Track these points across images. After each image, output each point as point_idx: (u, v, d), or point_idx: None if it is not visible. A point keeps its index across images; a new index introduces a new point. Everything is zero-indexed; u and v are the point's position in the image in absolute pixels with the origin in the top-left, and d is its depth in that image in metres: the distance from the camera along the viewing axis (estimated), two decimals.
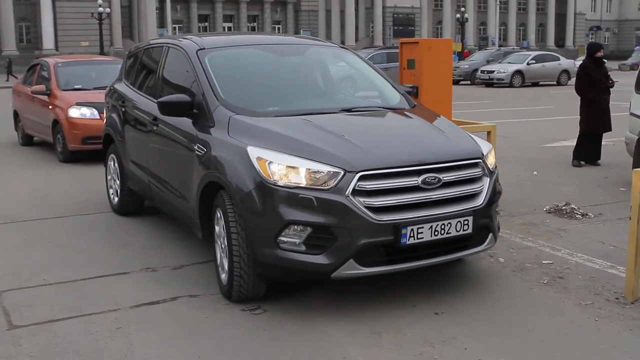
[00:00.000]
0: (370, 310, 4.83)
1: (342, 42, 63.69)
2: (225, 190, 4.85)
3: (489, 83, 34.09)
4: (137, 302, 5.05)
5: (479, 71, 35.14)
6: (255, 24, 77.48)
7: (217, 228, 5.10)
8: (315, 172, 4.48)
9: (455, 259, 5.11)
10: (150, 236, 6.81)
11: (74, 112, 11.22)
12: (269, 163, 4.55)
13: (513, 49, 51.97)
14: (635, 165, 9.05)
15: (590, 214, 7.52)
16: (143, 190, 6.86)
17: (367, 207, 4.44)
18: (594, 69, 10.93)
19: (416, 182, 4.58)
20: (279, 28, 77.41)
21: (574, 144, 11.21)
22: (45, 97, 11.98)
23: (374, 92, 6.15)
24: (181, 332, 4.55)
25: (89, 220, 7.54)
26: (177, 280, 5.55)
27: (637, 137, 9.01)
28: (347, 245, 4.44)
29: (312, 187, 4.46)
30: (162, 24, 64.60)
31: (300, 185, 4.48)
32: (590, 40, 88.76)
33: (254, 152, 4.66)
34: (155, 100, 6.15)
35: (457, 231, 4.69)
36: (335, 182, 4.44)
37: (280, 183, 4.50)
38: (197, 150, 5.25)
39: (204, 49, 5.85)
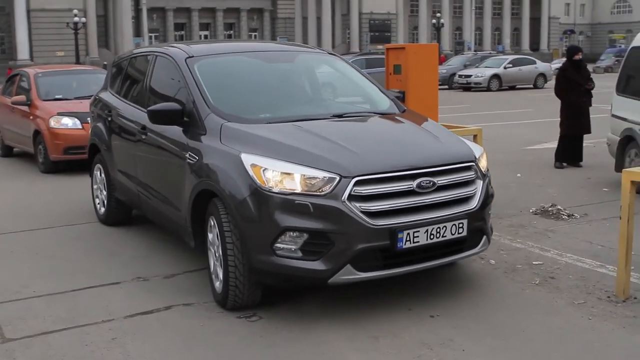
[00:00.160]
0: (366, 314, 4.83)
1: None
2: (218, 198, 4.83)
3: (467, 87, 34.33)
4: (130, 312, 5.02)
5: (457, 76, 35.39)
6: (231, 32, 77.46)
7: (210, 236, 5.07)
8: (310, 178, 4.47)
9: (450, 262, 5.13)
10: (139, 245, 6.77)
11: (56, 122, 11.12)
12: (263, 170, 4.54)
13: (490, 53, 52.45)
14: (617, 166, 9.19)
15: (576, 215, 7.60)
16: (131, 200, 6.80)
17: (363, 212, 4.45)
18: (573, 71, 11.05)
19: (411, 186, 4.60)
20: (255, 35, 77.44)
21: (555, 146, 11.33)
22: (25, 108, 11.87)
23: (364, 98, 6.17)
24: (177, 341, 4.53)
25: (76, 230, 7.48)
26: (170, 289, 5.52)
27: (618, 139, 9.13)
28: (344, 250, 4.44)
29: (307, 193, 4.46)
30: (138, 33, 64.26)
31: (295, 191, 4.47)
32: (565, 44, 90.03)
33: (248, 159, 4.64)
34: (144, 109, 6.14)
35: (452, 234, 4.72)
36: (331, 187, 4.44)
37: (276, 189, 4.49)
38: (189, 159, 5.22)
39: (193, 56, 5.83)
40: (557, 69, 40.56)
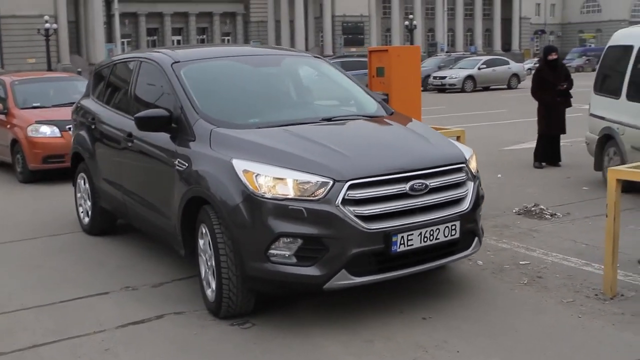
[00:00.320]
0: (358, 318, 4.85)
1: None
2: (210, 205, 4.80)
3: (442, 89, 34.55)
4: (122, 322, 4.98)
5: (431, 77, 35.59)
6: (204, 36, 77.20)
7: (201, 244, 5.04)
8: (304, 182, 4.46)
9: (443, 264, 5.15)
10: (125, 255, 6.72)
11: (34, 131, 10.99)
12: (256, 175, 4.52)
13: (463, 54, 52.82)
14: (596, 165, 9.33)
15: (558, 214, 7.69)
16: (117, 209, 6.74)
17: (357, 216, 4.44)
18: (548, 71, 11.17)
19: (404, 189, 4.60)
20: (228, 40, 77.25)
21: (533, 146, 11.45)
22: (2, 116, 11.72)
23: (351, 101, 6.17)
24: (172, 350, 4.51)
25: (60, 241, 7.40)
26: (159, 298, 5.50)
27: (597, 137, 9.26)
28: (339, 255, 4.43)
29: (301, 198, 4.44)
30: (110, 38, 63.89)
31: (288, 196, 4.45)
32: (536, 44, 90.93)
33: (239, 165, 4.62)
34: (130, 116, 6.10)
35: (446, 236, 4.73)
36: (325, 192, 4.43)
37: (269, 195, 4.47)
38: (178, 166, 5.17)
39: (179, 62, 5.79)
40: (529, 69, 40.94)
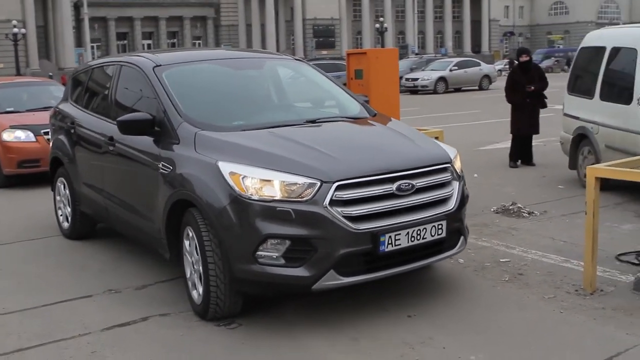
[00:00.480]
0: (344, 318, 4.88)
1: None
2: (196, 208, 4.78)
3: (414, 90, 34.79)
4: (107, 325, 4.96)
5: (404, 79, 35.78)
6: (175, 40, 76.92)
7: (187, 246, 5.02)
8: (291, 184, 4.46)
9: (430, 264, 5.19)
10: (106, 258, 6.68)
11: (8, 136, 10.87)
12: (242, 177, 4.52)
13: (435, 56, 53.22)
14: (571, 164, 9.48)
15: (536, 212, 7.81)
16: (98, 213, 6.69)
17: (345, 217, 4.46)
18: (520, 73, 11.35)
19: (391, 189, 4.63)
20: (199, 44, 77.02)
21: (507, 146, 11.62)
22: None
23: (334, 103, 6.19)
24: (159, 352, 4.51)
25: (39, 245, 7.34)
26: (143, 300, 5.49)
27: (571, 137, 9.41)
28: (327, 256, 4.44)
29: (288, 199, 4.45)
30: (79, 43, 63.34)
31: (276, 198, 4.46)
32: (505, 45, 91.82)
33: (225, 167, 4.61)
34: (111, 120, 6.08)
35: (432, 236, 4.77)
36: (312, 193, 4.44)
37: (256, 197, 4.47)
38: (162, 169, 5.15)
39: (161, 65, 5.77)
40: (499, 70, 41.42)
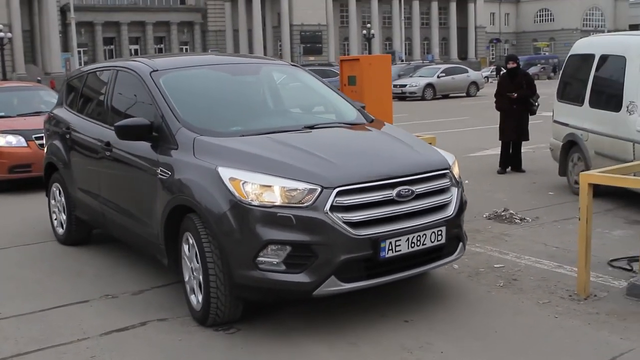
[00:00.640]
0: (342, 322, 4.92)
1: None
2: (195, 214, 4.79)
3: (402, 97, 34.89)
4: (105, 330, 4.97)
5: (392, 85, 35.90)
6: (162, 45, 76.79)
7: (186, 252, 5.02)
8: (291, 190, 4.48)
9: (430, 269, 5.21)
10: (102, 264, 6.67)
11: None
12: (243, 183, 4.53)
13: (422, 62, 53.45)
14: (561, 171, 9.58)
15: (528, 219, 7.89)
16: (95, 219, 6.67)
17: (345, 223, 4.47)
18: (507, 79, 11.49)
19: (391, 195, 4.65)
20: (186, 49, 76.94)
21: (496, 152, 11.72)
22: None
23: (331, 109, 6.23)
24: (158, 357, 4.53)
25: (33, 250, 7.33)
26: (140, 305, 5.50)
27: (561, 144, 9.51)
28: (328, 262, 4.45)
29: (289, 205, 4.46)
30: (66, 48, 63.11)
31: (276, 203, 4.47)
32: (491, 52, 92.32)
33: (225, 172, 4.62)
34: (107, 125, 6.09)
35: (432, 242, 4.80)
36: (313, 199, 4.45)
37: (256, 203, 4.48)
38: (161, 174, 5.16)
39: (158, 70, 5.77)
40: (486, 77, 41.69)
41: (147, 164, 5.42)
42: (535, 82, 12.08)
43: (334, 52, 79.61)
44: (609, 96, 8.64)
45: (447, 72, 36.17)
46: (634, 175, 6.10)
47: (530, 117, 11.53)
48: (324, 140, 5.30)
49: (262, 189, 4.51)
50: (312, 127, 5.51)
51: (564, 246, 6.69)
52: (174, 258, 5.25)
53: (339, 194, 4.49)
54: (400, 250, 4.63)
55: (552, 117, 10.10)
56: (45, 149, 7.70)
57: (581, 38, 10.85)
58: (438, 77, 35.42)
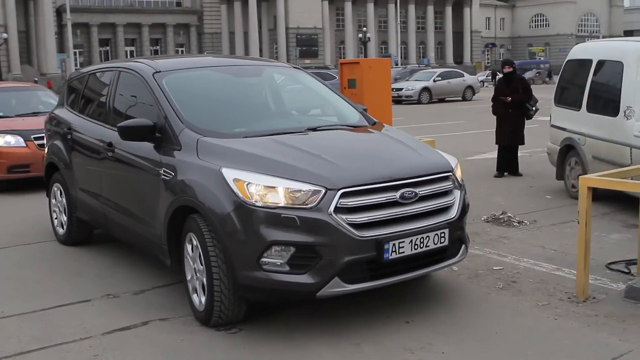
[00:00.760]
0: (344, 323, 4.95)
1: None
2: (199, 214, 4.80)
3: (398, 100, 34.91)
4: (107, 329, 4.99)
5: None
6: (158, 47, 76.83)
7: (189, 253, 5.03)
8: (296, 191, 4.49)
9: (433, 271, 5.23)
10: (102, 264, 6.69)
11: None
12: (247, 184, 4.54)
13: (419, 66, 53.58)
14: (558, 175, 9.64)
15: (525, 222, 7.94)
16: (96, 219, 6.68)
17: (349, 224, 4.49)
18: (503, 84, 11.57)
19: (394, 197, 4.67)
20: (182, 51, 76.97)
21: (493, 156, 11.79)
22: None
23: (334, 111, 6.25)
24: (162, 356, 4.55)
25: (33, 250, 7.34)
26: (142, 304, 5.52)
27: (558, 148, 9.57)
28: (332, 263, 4.46)
29: (293, 206, 4.48)
30: (61, 49, 63.03)
31: (280, 205, 4.48)
32: (487, 56, 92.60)
33: (229, 173, 4.64)
34: (109, 126, 6.12)
35: (435, 244, 4.82)
36: (317, 200, 4.47)
37: (260, 204, 4.49)
38: (164, 175, 5.17)
39: (160, 71, 5.79)
40: (482, 81, 41.85)
41: (149, 164, 5.43)
42: (531, 86, 12.14)
43: (329, 55, 79.78)
44: (606, 101, 8.70)
45: (443, 76, 36.32)
46: (632, 179, 6.15)
47: (526, 122, 11.59)
48: (327, 142, 5.31)
49: (266, 190, 4.53)
50: (315, 129, 5.52)
51: (562, 249, 6.74)
52: (176, 258, 5.26)
53: (343, 195, 4.51)
54: (403, 252, 4.65)
55: (550, 121, 10.16)
56: (46, 149, 7.71)
57: (576, 43, 10.93)
58: (434, 81, 35.55)
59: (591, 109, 8.93)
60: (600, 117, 8.67)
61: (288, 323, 4.99)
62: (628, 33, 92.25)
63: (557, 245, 6.92)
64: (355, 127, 5.83)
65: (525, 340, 4.65)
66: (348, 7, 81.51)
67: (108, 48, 73.75)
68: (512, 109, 11.25)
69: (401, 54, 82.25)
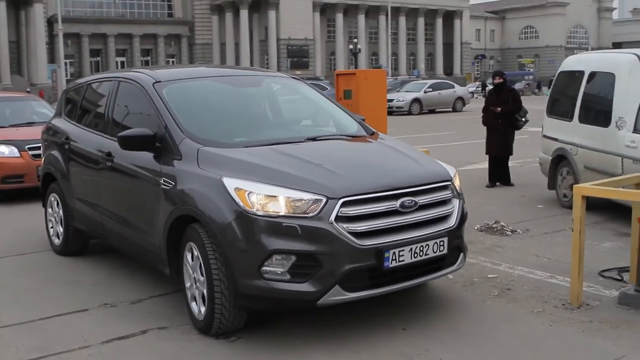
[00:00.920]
0: (341, 331, 4.99)
1: None
2: (199, 224, 4.82)
3: (389, 111, 34.79)
4: (106, 338, 5.01)
5: None
6: (149, 57, 76.84)
7: (189, 262, 5.04)
8: (296, 200, 4.53)
9: (432, 279, 5.27)
10: (99, 274, 6.70)
11: None
12: (248, 193, 4.58)
13: (409, 78, 53.80)
14: (550, 184, 9.73)
15: (518, 231, 8.02)
16: (93, 229, 6.69)
17: (350, 233, 4.53)
18: (493, 95, 11.69)
19: (395, 206, 4.71)
20: (173, 61, 76.99)
21: (484, 166, 11.90)
22: None
23: (332, 121, 6.29)
24: None
25: (28, 260, 7.33)
26: (139, 314, 5.54)
27: (550, 158, 9.67)
28: (332, 271, 4.49)
29: (294, 215, 4.51)
30: (52, 59, 62.93)
31: (281, 213, 4.52)
32: (477, 68, 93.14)
33: (230, 183, 4.67)
34: (108, 136, 6.15)
35: (434, 252, 4.87)
36: (318, 209, 4.51)
37: (261, 213, 4.52)
38: (164, 185, 5.20)
39: (161, 81, 5.82)
40: (472, 92, 42.05)
41: (149, 174, 5.45)
42: (521, 97, 12.25)
43: (320, 66, 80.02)
44: (598, 112, 8.81)
45: (434, 87, 36.51)
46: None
47: (516, 132, 11.70)
48: (327, 151, 5.35)
49: (268, 199, 4.56)
50: (314, 139, 5.56)
51: (555, 257, 6.82)
52: (175, 268, 5.28)
53: (343, 204, 4.55)
54: (403, 260, 4.70)
55: (542, 132, 10.26)
56: (43, 159, 7.72)
57: (565, 55, 11.06)
58: (425, 92, 35.72)
59: (583, 119, 9.04)
60: (592, 127, 8.77)
61: (286, 331, 5.03)
62: (617, 45, 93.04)
63: (550, 253, 7.00)
64: (354, 137, 5.88)
65: (522, 346, 4.71)
66: (339, 18, 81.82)
67: (99, 58, 73.72)
68: (502, 119, 11.35)
69: (391, 65, 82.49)
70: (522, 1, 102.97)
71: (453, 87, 37.48)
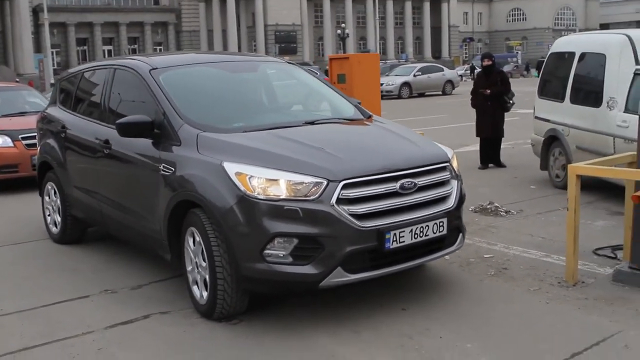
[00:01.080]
0: (342, 312, 5.07)
1: None
2: (200, 208, 4.86)
3: None
4: (109, 323, 5.06)
5: None
6: (136, 46, 76.38)
7: (191, 247, 5.08)
8: (298, 183, 4.57)
9: (432, 260, 5.32)
10: (97, 261, 6.74)
11: None
12: (249, 177, 4.61)
13: (398, 62, 53.77)
14: (542, 165, 9.82)
15: (512, 211, 8.11)
16: (91, 217, 6.72)
17: (351, 215, 4.58)
18: (482, 77, 11.76)
19: (394, 187, 4.76)
20: (160, 49, 76.58)
21: (476, 149, 11.98)
22: None
23: (329, 105, 6.32)
24: (166, 348, 4.63)
25: (26, 249, 7.36)
26: (141, 299, 5.59)
27: (542, 139, 9.75)
28: (334, 253, 4.54)
29: (295, 198, 4.55)
30: (38, 49, 62.49)
31: (283, 197, 4.56)
32: (465, 51, 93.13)
33: (231, 167, 4.71)
34: (105, 123, 6.17)
35: (434, 233, 4.93)
36: (319, 192, 4.55)
37: (263, 196, 4.56)
38: (163, 170, 5.22)
39: (157, 68, 5.84)
40: (461, 75, 42.07)
41: (148, 160, 5.48)
42: (510, 80, 12.32)
43: (308, 51, 79.82)
44: (589, 92, 8.88)
45: (423, 70, 36.56)
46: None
47: (507, 114, 11.77)
48: (326, 135, 5.38)
49: (269, 183, 4.60)
50: (312, 123, 5.60)
51: (549, 236, 6.91)
52: (176, 253, 5.32)
53: (344, 187, 4.60)
54: (404, 242, 4.76)
55: (534, 113, 10.33)
56: (39, 149, 7.72)
57: (553, 37, 11.14)
58: (414, 75, 35.77)
59: (574, 100, 9.11)
60: (584, 108, 8.85)
61: (289, 313, 5.09)
62: (604, 26, 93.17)
63: (544, 233, 7.09)
64: (351, 120, 5.93)
65: (519, 323, 4.80)
66: (326, 3, 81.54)
67: (86, 47, 73.24)
68: (491, 101, 11.43)
69: (380, 49, 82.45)
70: None
71: (442, 70, 37.55)
